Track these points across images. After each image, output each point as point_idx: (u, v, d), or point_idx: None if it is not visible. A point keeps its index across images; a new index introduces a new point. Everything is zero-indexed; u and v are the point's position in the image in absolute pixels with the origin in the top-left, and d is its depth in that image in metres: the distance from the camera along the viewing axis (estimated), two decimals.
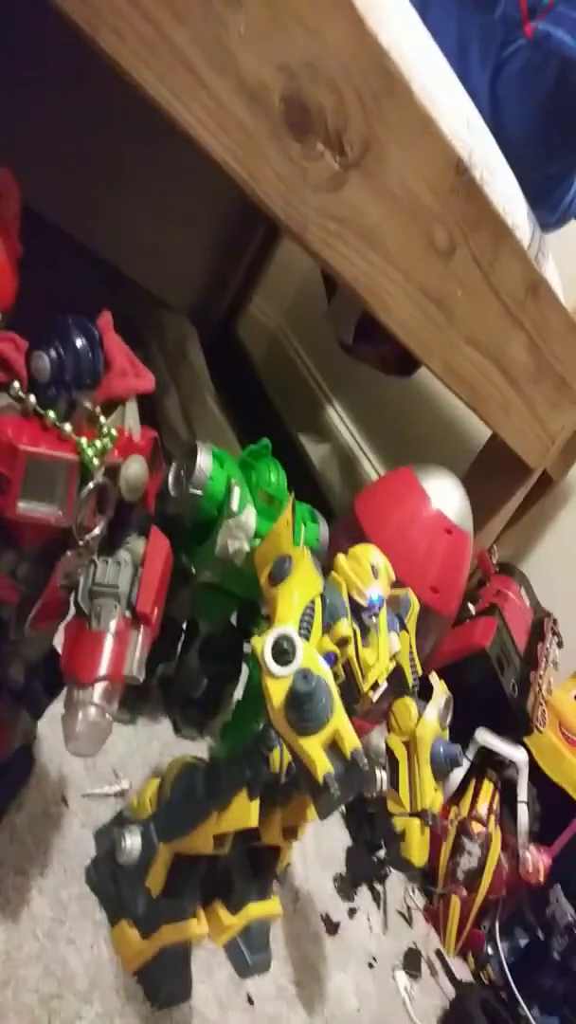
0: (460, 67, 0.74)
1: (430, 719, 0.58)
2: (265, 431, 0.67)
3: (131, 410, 0.45)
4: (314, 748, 0.38)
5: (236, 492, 0.59)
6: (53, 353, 0.40)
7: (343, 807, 0.80)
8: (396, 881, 0.78)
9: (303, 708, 0.39)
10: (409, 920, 0.76)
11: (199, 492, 0.59)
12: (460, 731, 0.76)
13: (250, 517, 0.60)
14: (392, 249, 0.66)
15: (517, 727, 0.85)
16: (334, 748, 0.39)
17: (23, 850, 0.50)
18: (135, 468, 0.44)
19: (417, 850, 0.56)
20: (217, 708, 0.71)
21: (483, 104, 0.75)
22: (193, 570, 0.63)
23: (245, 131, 0.52)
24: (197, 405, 1.18)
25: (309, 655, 0.41)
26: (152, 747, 0.66)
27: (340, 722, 0.39)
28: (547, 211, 0.83)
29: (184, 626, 0.69)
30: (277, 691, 0.40)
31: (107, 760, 0.61)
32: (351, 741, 0.39)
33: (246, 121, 0.52)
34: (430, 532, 0.79)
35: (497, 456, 0.99)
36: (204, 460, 0.59)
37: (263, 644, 0.41)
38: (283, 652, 0.41)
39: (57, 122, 1.19)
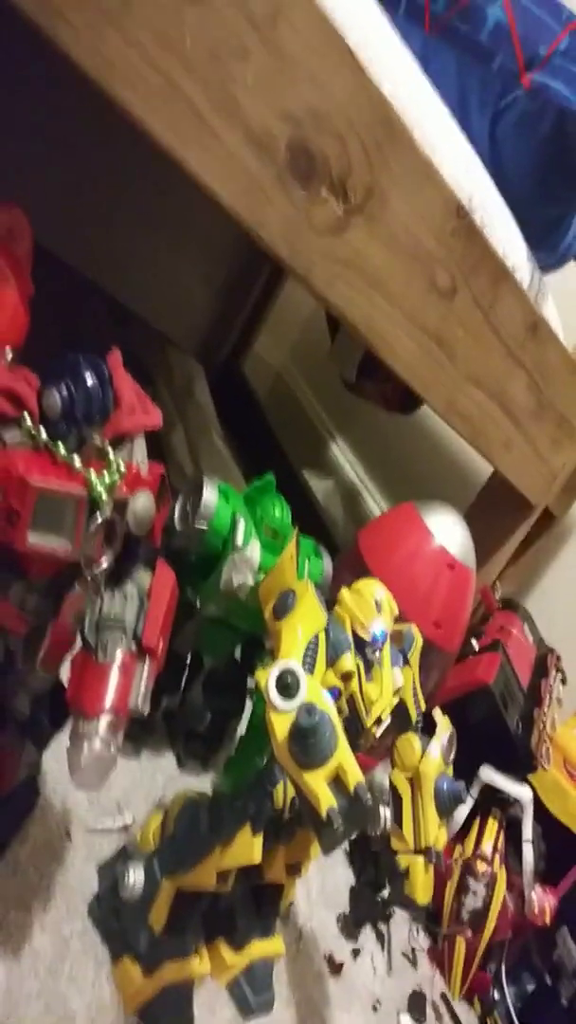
0: (460, 115, 0.76)
1: (434, 755, 0.58)
2: (270, 467, 0.68)
3: (139, 445, 0.46)
4: (317, 782, 0.39)
5: (241, 526, 0.60)
6: (64, 390, 0.41)
7: (346, 845, 0.79)
8: (400, 921, 0.77)
9: (307, 742, 0.39)
10: (414, 961, 0.74)
11: (204, 527, 0.59)
12: (464, 768, 0.76)
13: (255, 551, 0.60)
14: (394, 291, 0.67)
15: (521, 764, 0.84)
16: (337, 783, 0.39)
17: (26, 884, 0.50)
18: (143, 502, 0.45)
19: (421, 888, 0.56)
20: (221, 742, 0.71)
21: (483, 150, 0.77)
22: (198, 604, 0.63)
23: (251, 177, 0.54)
24: (203, 441, 1.20)
25: (313, 689, 0.41)
26: (156, 781, 0.65)
27: (344, 757, 0.39)
28: (546, 253, 0.85)
29: (188, 660, 0.69)
30: (281, 725, 0.40)
31: (111, 794, 0.61)
32: (355, 776, 0.39)
33: (252, 168, 0.54)
34: (433, 568, 0.79)
35: (499, 493, 1.00)
36: (209, 495, 0.60)
37: (267, 678, 0.41)
38: (287, 686, 0.41)
39: (68, 164, 1.23)
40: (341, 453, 1.60)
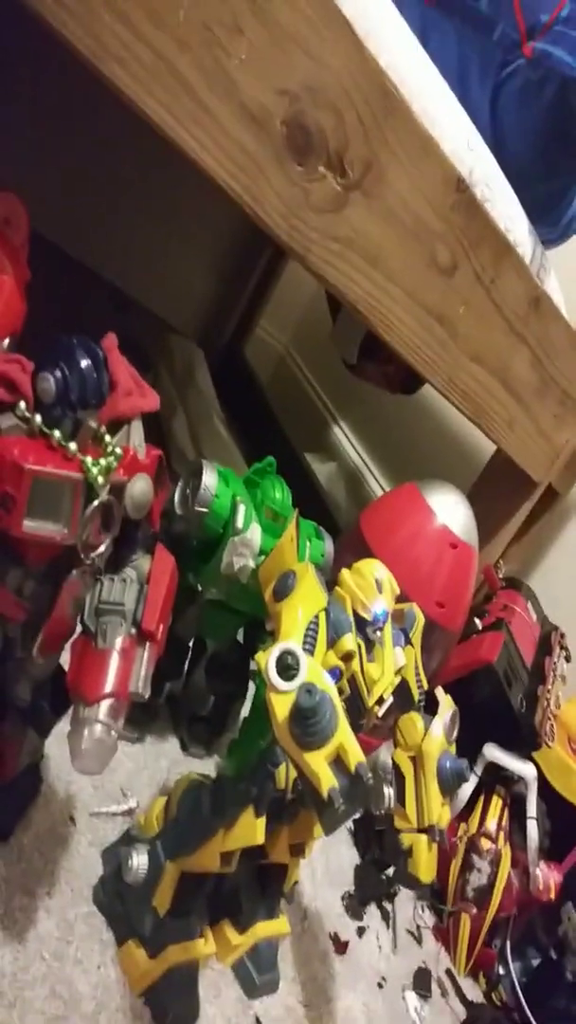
0: (460, 89, 0.75)
1: (436, 734, 0.58)
2: (272, 451, 0.68)
3: (136, 429, 0.45)
4: (318, 763, 0.38)
5: (241, 509, 0.59)
6: (58, 374, 0.40)
7: (351, 824, 0.79)
8: (405, 899, 0.77)
9: (307, 722, 0.39)
10: (419, 939, 0.75)
11: (205, 510, 0.59)
12: (468, 747, 0.76)
13: (255, 534, 0.60)
14: (394, 268, 0.66)
15: (525, 742, 0.85)
16: (338, 763, 0.39)
17: (30, 869, 0.50)
18: (140, 486, 0.44)
19: (424, 866, 0.56)
20: (224, 726, 0.71)
21: (484, 124, 0.76)
22: (199, 588, 0.63)
23: (247, 154, 0.53)
24: (204, 426, 1.19)
25: (313, 669, 0.41)
26: (160, 765, 0.66)
27: (344, 736, 0.39)
28: (548, 227, 0.83)
29: (191, 644, 0.69)
30: (281, 706, 0.40)
31: (115, 779, 0.61)
32: (355, 755, 0.39)
33: (248, 145, 0.53)
34: (435, 547, 0.79)
35: (502, 471, 0.99)
36: (209, 478, 0.60)
37: (267, 659, 0.41)
38: (287, 667, 0.41)
39: (64, 148, 1.21)
40: (344, 435, 1.59)
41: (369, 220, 0.62)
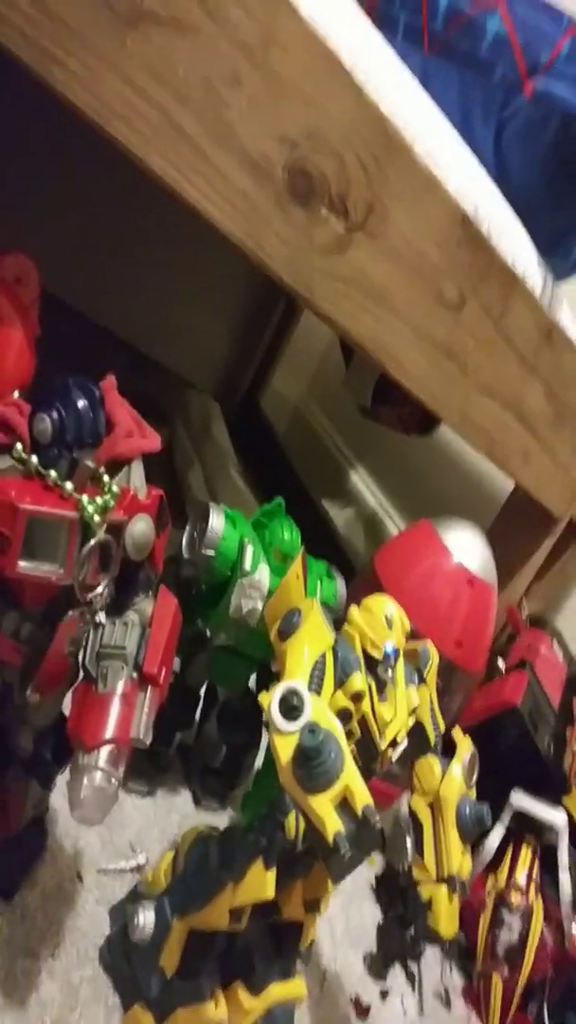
0: (464, 130, 0.75)
1: (455, 777, 0.55)
2: (288, 499, 0.67)
3: (137, 470, 0.45)
4: (323, 806, 0.37)
5: (249, 551, 0.58)
6: (55, 414, 0.40)
7: (372, 881, 0.76)
8: (432, 960, 0.73)
9: (310, 763, 0.37)
10: (447, 1003, 0.71)
11: (212, 552, 0.58)
12: (494, 794, 0.72)
13: (264, 576, 0.59)
14: (400, 306, 0.66)
15: (555, 787, 0.81)
16: (345, 806, 0.37)
17: (34, 930, 0.48)
18: (140, 527, 0.43)
19: (446, 919, 0.53)
20: (238, 777, 0.69)
21: (488, 161, 0.76)
22: (208, 634, 0.62)
23: (250, 202, 0.54)
24: (221, 478, 1.21)
25: (318, 709, 0.39)
26: (171, 820, 0.63)
27: (351, 778, 0.38)
28: (559, 260, 0.83)
29: (203, 693, 0.67)
30: (284, 747, 0.38)
31: (124, 834, 0.59)
32: (362, 798, 0.37)
33: (250, 192, 0.53)
34: (452, 585, 0.77)
35: (521, 508, 0.97)
36: (216, 520, 0.59)
37: (270, 699, 0.40)
38: (292, 708, 0.39)
39: (77, 209, 1.24)
40: (361, 481, 1.59)
41: (374, 260, 0.63)
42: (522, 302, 0.74)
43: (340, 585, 0.65)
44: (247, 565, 0.58)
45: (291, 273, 0.59)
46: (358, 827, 0.36)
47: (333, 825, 0.36)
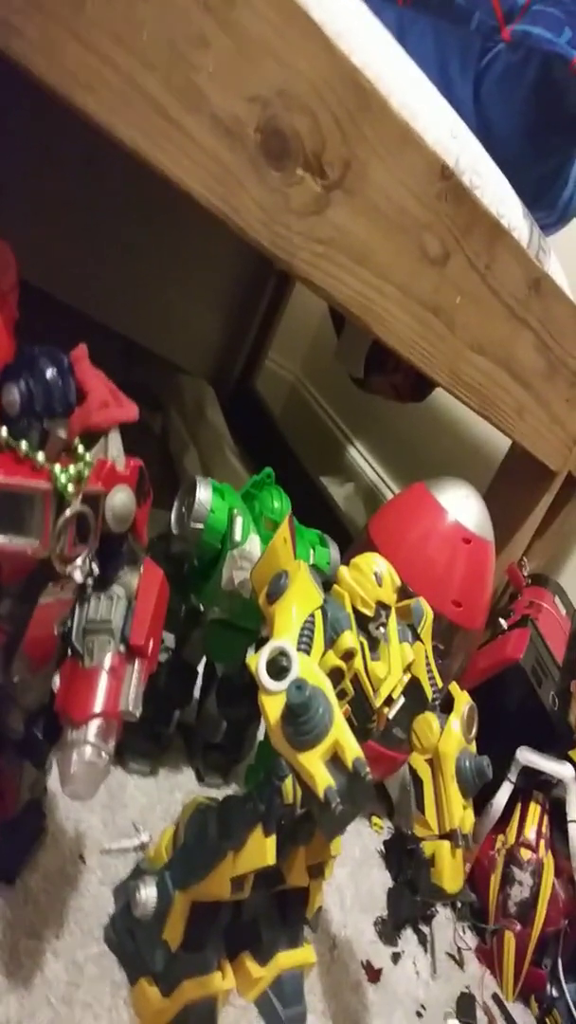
0: (442, 82, 0.73)
1: (453, 731, 0.55)
2: (287, 478, 0.66)
3: (114, 441, 0.44)
4: (313, 762, 0.36)
5: (239, 522, 0.57)
6: (23, 384, 0.39)
7: (381, 846, 0.76)
8: (444, 921, 0.73)
9: (299, 720, 0.37)
10: (460, 962, 0.71)
11: (201, 526, 0.57)
12: (501, 752, 0.72)
13: (254, 546, 0.58)
14: (383, 264, 0.64)
15: (561, 742, 0.81)
16: (336, 761, 0.37)
17: (37, 912, 0.48)
18: (120, 498, 0.42)
19: (449, 874, 0.53)
20: (240, 751, 0.68)
21: (468, 113, 0.74)
22: (203, 609, 0.61)
23: (223, 166, 0.52)
24: (217, 460, 1.21)
25: (306, 666, 0.39)
26: (174, 798, 0.63)
27: (340, 732, 0.37)
28: (545, 210, 0.81)
29: (202, 670, 0.67)
30: (273, 708, 0.38)
31: (127, 814, 0.58)
32: (352, 751, 0.36)
33: (223, 156, 0.52)
34: (448, 544, 0.76)
35: (518, 464, 0.96)
36: (204, 493, 0.58)
37: (258, 660, 0.39)
38: (281, 669, 0.39)
39: (62, 200, 1.23)
40: (360, 455, 1.59)
41: (353, 218, 0.61)
42: (508, 253, 0.72)
43: (334, 552, 0.64)
44: (237, 536, 0.57)
45: (270, 238, 0.57)
46: (349, 780, 0.36)
47: (323, 780, 0.36)
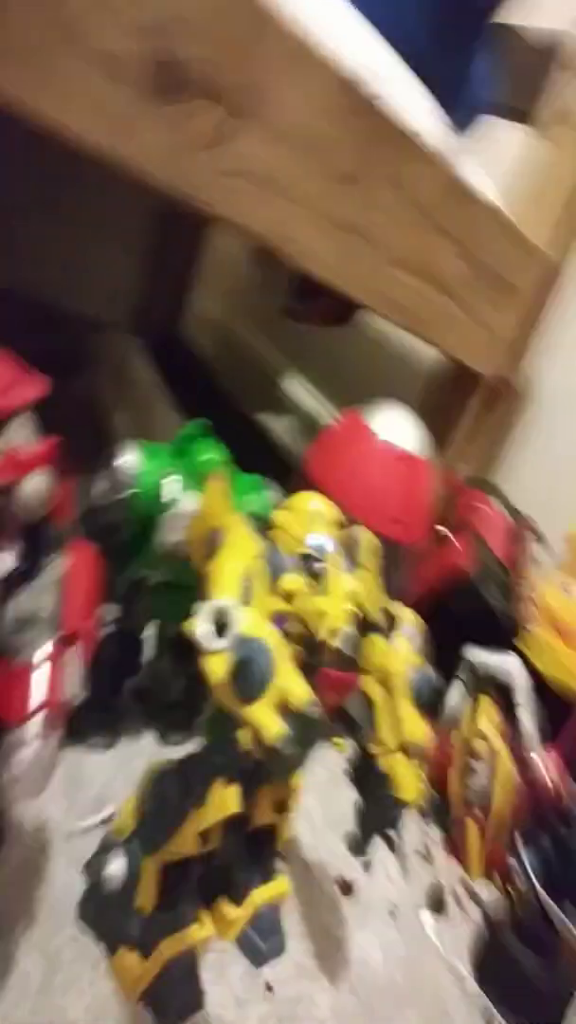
0: None
1: (398, 649, 0.56)
2: (226, 421, 0.64)
3: (19, 427, 0.42)
4: (263, 712, 0.38)
5: (168, 482, 0.56)
6: None
7: (346, 765, 0.79)
8: (411, 823, 0.78)
9: (240, 675, 0.38)
10: (428, 857, 0.76)
11: (126, 495, 0.56)
12: (453, 655, 0.75)
13: (190, 504, 0.57)
14: (295, 188, 0.62)
15: (508, 634, 0.84)
16: (284, 708, 0.38)
17: (6, 909, 0.48)
18: (31, 485, 0.41)
19: (406, 784, 0.54)
20: (199, 705, 0.69)
21: (375, 16, 0.69)
22: (144, 576, 0.61)
23: (112, 106, 0.48)
24: (151, 415, 1.19)
25: (247, 619, 0.40)
26: (135, 766, 0.62)
27: (285, 678, 0.38)
28: (457, 110, 0.77)
29: (145, 634, 0.67)
30: (217, 666, 0.39)
31: (88, 793, 0.59)
32: (299, 696, 0.38)
33: (110, 96, 0.48)
34: (381, 465, 0.77)
35: (450, 374, 0.96)
36: (127, 458, 0.56)
37: (194, 624, 0.40)
38: (224, 627, 0.40)
39: None
40: (300, 387, 1.55)
41: (258, 144, 0.57)
42: (421, 161, 0.69)
43: (273, 495, 0.64)
44: (166, 498, 0.56)
45: (172, 176, 0.54)
46: (300, 724, 0.37)
47: (271, 728, 0.37)
